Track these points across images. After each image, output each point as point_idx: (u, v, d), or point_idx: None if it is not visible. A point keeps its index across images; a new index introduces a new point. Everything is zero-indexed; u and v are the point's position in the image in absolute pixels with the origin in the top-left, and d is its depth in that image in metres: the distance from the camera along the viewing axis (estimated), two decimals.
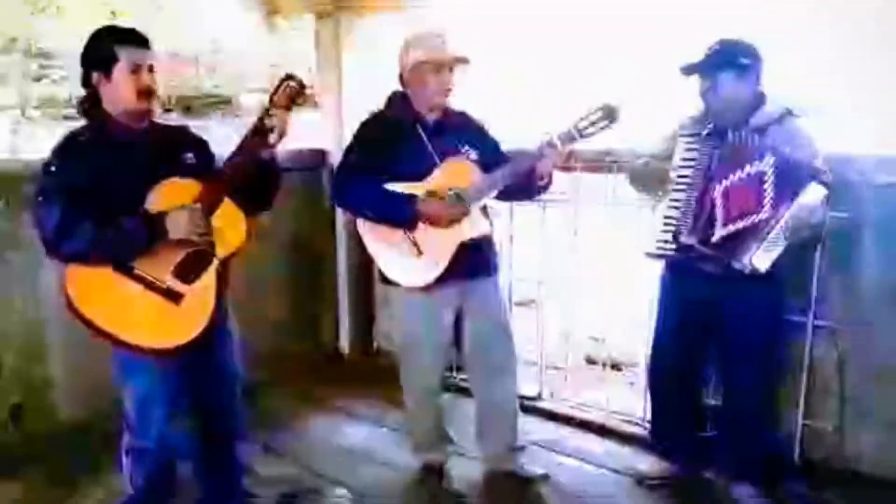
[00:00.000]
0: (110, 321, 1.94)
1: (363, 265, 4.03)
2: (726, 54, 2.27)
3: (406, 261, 2.42)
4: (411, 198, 2.35)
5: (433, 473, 2.76)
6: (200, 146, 2.21)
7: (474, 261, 2.45)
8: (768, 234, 2.18)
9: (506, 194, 2.52)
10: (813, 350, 2.70)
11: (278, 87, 2.06)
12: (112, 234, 1.91)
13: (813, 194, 2.14)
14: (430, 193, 2.35)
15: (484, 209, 2.47)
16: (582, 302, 3.34)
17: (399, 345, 2.71)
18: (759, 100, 2.32)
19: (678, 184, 2.33)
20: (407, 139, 2.41)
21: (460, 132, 2.48)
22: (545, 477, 2.70)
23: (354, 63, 3.84)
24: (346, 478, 2.81)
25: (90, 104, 2.02)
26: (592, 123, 2.25)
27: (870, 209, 2.52)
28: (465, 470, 2.81)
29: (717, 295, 2.39)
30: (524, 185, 2.40)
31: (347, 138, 3.83)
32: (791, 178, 2.16)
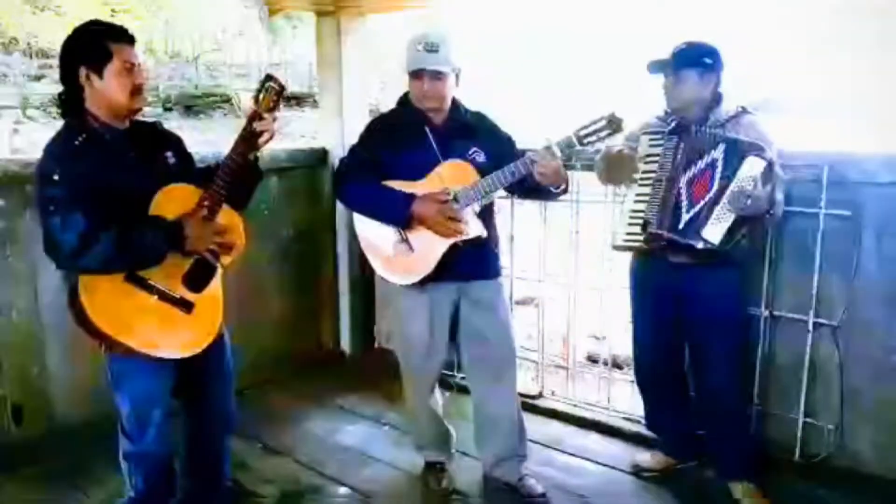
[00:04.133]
0: (126, 332, 1.92)
1: (364, 264, 4.03)
2: (691, 53, 2.40)
3: (399, 259, 2.43)
4: (407, 197, 2.35)
5: (434, 472, 2.75)
6: (177, 144, 2.19)
7: (471, 263, 2.43)
8: (715, 208, 2.31)
9: (519, 194, 2.53)
10: (813, 348, 2.70)
11: (260, 89, 2.03)
12: (134, 243, 1.88)
13: (750, 167, 2.26)
14: (426, 196, 2.35)
15: (483, 212, 2.44)
16: (582, 300, 3.34)
17: (396, 343, 2.70)
18: (718, 100, 2.45)
19: (643, 179, 2.46)
20: (413, 139, 2.40)
21: (470, 133, 2.45)
22: (542, 497, 2.61)
23: (355, 62, 3.84)
24: (346, 476, 2.81)
25: (72, 103, 1.96)
26: (594, 132, 2.24)
27: (871, 208, 2.53)
28: (468, 469, 2.80)
29: (682, 284, 2.48)
30: (533, 188, 2.38)
31: (348, 137, 3.89)
32: (734, 157, 2.30)
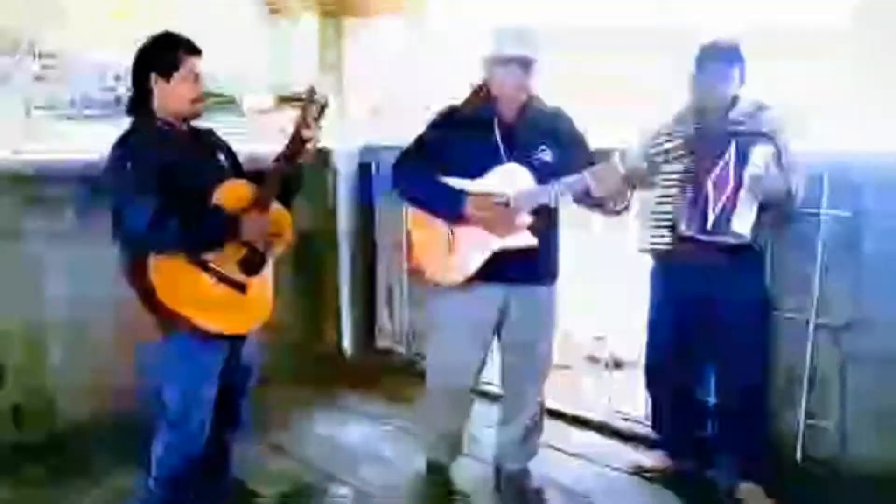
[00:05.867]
0: (188, 308, 2.07)
1: (366, 264, 4.04)
2: (735, 52, 2.42)
3: (442, 257, 2.41)
4: (462, 194, 2.31)
5: (436, 472, 2.75)
6: (228, 149, 2.36)
7: (521, 265, 2.34)
8: (737, 200, 2.34)
9: (578, 203, 2.43)
10: (815, 349, 2.70)
11: (306, 102, 2.23)
12: (197, 228, 2.06)
13: (758, 154, 2.30)
14: (481, 196, 2.30)
15: (542, 212, 2.34)
16: (584, 301, 3.34)
17: (432, 341, 2.64)
18: (736, 99, 2.47)
19: (667, 180, 2.46)
20: (480, 133, 2.34)
21: (540, 130, 2.36)
22: (537, 493, 2.62)
23: (357, 63, 3.85)
24: (348, 476, 2.81)
25: (140, 104, 2.14)
26: (667, 152, 2.12)
27: (872, 208, 2.53)
28: (468, 469, 2.81)
29: (707, 285, 2.46)
30: (592, 203, 2.32)
31: (350, 138, 3.90)
32: (743, 148, 2.34)
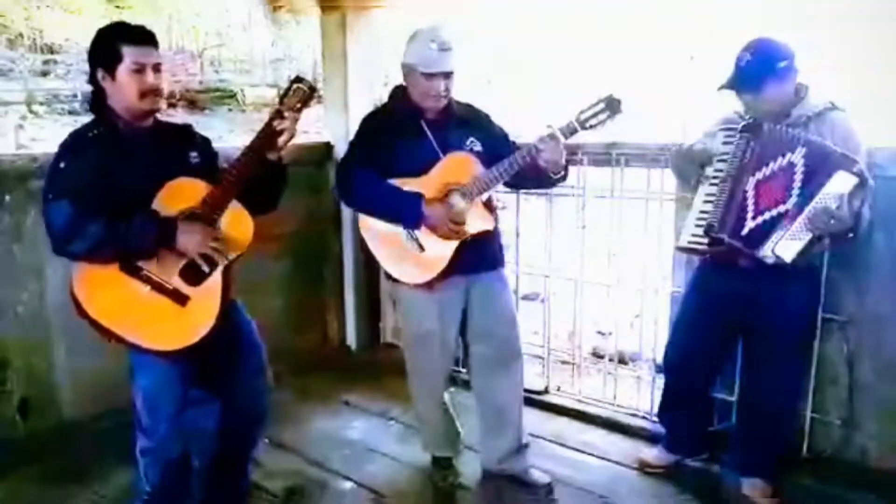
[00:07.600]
0: (118, 322, 1.95)
1: (369, 259, 4.01)
2: (765, 64, 2.19)
3: (409, 258, 2.41)
4: (418, 198, 2.33)
5: (441, 467, 2.75)
6: (204, 144, 2.23)
7: (479, 255, 2.44)
8: (793, 223, 2.16)
9: (518, 185, 2.55)
10: (822, 343, 2.68)
11: (288, 89, 2.08)
12: (122, 234, 1.90)
13: (839, 183, 2.09)
14: (431, 200, 2.34)
15: (488, 204, 2.45)
16: (588, 296, 3.33)
17: (407, 342, 2.68)
18: (801, 93, 2.28)
19: (714, 178, 2.34)
20: (410, 133, 2.40)
21: (465, 124, 2.46)
22: (549, 487, 2.62)
23: (360, 57, 3.83)
24: (351, 471, 2.81)
25: (97, 101, 2.03)
26: (594, 115, 2.25)
27: (881, 202, 2.49)
28: (473, 463, 2.80)
29: (750, 290, 2.36)
30: (534, 176, 2.38)
31: (353, 132, 3.88)
32: (820, 168, 2.12)
